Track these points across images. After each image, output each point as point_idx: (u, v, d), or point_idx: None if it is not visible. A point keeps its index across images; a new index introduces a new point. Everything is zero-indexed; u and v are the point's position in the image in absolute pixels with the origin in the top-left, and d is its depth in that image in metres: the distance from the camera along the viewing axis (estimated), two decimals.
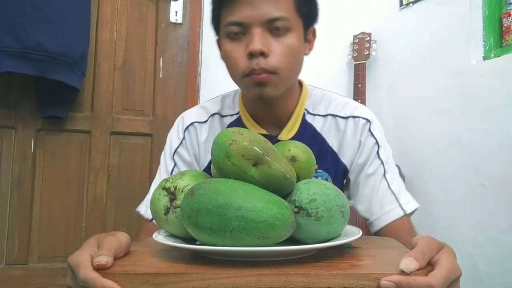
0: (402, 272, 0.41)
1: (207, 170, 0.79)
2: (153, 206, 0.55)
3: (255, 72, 0.68)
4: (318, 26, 0.80)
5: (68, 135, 1.59)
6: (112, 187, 1.63)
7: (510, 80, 1.35)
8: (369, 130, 0.78)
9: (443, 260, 0.44)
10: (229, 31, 0.70)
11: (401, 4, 1.83)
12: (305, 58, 0.77)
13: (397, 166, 1.49)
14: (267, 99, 0.72)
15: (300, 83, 0.84)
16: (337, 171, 0.80)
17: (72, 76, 1.41)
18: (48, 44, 1.32)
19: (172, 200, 0.54)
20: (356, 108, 0.81)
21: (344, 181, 0.83)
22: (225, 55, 0.73)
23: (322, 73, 1.85)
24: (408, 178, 1.69)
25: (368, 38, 1.89)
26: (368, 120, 0.79)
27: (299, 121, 0.80)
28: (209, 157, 0.83)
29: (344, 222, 0.51)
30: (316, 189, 0.49)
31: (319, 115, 0.81)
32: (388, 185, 0.77)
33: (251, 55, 0.68)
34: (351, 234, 0.52)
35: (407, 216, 0.76)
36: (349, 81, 1.96)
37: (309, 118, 0.81)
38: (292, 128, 0.79)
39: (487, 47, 1.48)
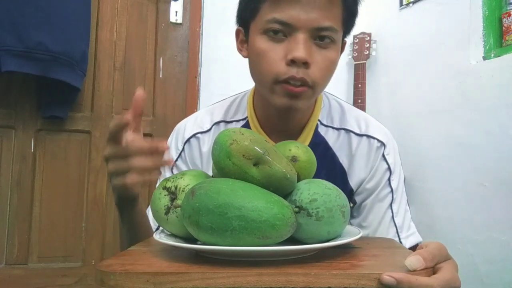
0: (407, 271, 0.41)
1: None
2: (153, 205, 0.55)
3: (292, 80, 0.63)
4: None
5: (68, 135, 1.59)
6: None
7: (510, 80, 1.35)
8: (383, 155, 0.75)
9: (445, 269, 0.44)
10: (269, 27, 0.64)
11: (401, 4, 1.83)
12: None
13: None
14: (294, 111, 0.68)
15: None
16: (344, 190, 0.78)
17: (73, 75, 1.41)
18: (50, 43, 1.32)
19: (172, 199, 0.54)
20: (373, 126, 0.77)
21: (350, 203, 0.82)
22: (257, 53, 0.66)
23: None
24: (408, 178, 1.69)
25: (368, 38, 1.89)
26: (382, 143, 0.75)
27: (311, 134, 0.76)
28: None
29: (345, 222, 0.51)
30: (317, 189, 0.49)
31: (332, 127, 0.77)
32: (392, 216, 0.75)
33: (293, 62, 0.62)
34: (352, 234, 0.52)
35: None
36: (349, 81, 1.96)
37: (321, 130, 0.77)
38: (303, 142, 0.75)
39: (487, 47, 1.48)
